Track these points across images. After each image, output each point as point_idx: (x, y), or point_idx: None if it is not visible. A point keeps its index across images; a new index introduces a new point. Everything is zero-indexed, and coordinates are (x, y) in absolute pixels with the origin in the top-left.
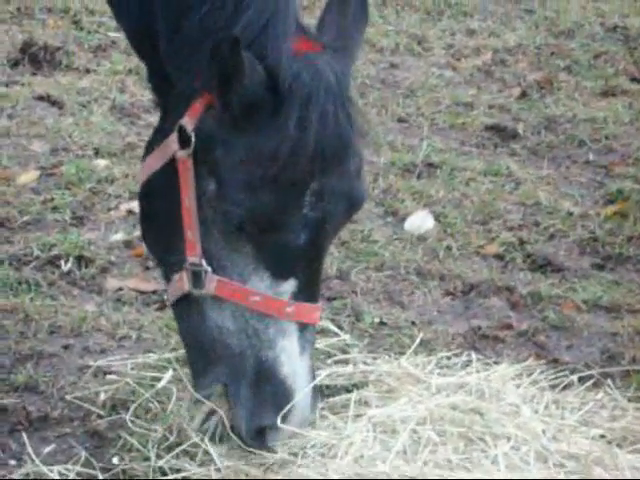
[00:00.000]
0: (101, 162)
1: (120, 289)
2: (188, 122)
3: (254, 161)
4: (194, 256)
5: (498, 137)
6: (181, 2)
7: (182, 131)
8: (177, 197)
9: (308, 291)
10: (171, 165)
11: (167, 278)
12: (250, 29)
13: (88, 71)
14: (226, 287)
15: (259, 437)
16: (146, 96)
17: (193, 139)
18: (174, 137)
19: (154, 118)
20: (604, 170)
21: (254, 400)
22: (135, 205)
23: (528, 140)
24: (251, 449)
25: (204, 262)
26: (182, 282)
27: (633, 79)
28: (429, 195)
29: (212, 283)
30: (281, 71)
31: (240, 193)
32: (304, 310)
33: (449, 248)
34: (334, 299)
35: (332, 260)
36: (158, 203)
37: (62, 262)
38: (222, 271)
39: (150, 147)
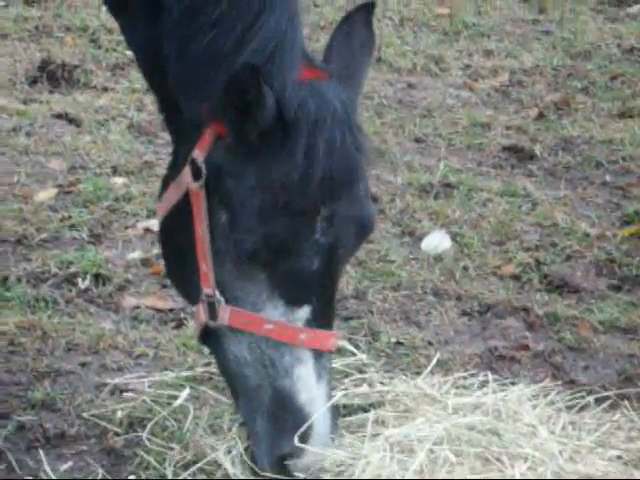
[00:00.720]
0: (119, 180)
1: (137, 307)
2: (199, 154)
3: (264, 190)
4: (208, 287)
5: (515, 158)
6: (189, 26)
7: (194, 163)
8: (192, 230)
9: (322, 317)
10: (186, 198)
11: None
12: (257, 56)
13: (106, 89)
14: (239, 317)
15: (281, 466)
16: None
17: (204, 170)
18: (187, 170)
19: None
20: (621, 191)
21: (273, 431)
22: (152, 223)
23: (545, 161)
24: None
25: (217, 293)
26: (199, 314)
27: None
28: (446, 215)
29: (225, 313)
30: (287, 99)
31: (252, 222)
32: (319, 337)
33: (466, 268)
34: (351, 319)
35: (349, 280)
36: (176, 238)
37: (79, 280)
38: (235, 301)
39: (166, 183)
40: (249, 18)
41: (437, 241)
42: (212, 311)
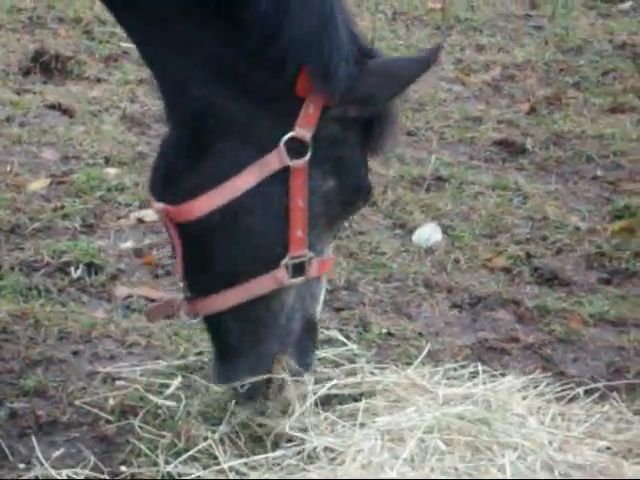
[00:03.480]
0: (111, 171)
1: (130, 296)
2: (304, 132)
3: (374, 146)
4: (301, 250)
5: (506, 152)
6: (276, 13)
7: (294, 142)
8: (283, 203)
9: None
10: (272, 178)
11: (233, 282)
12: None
13: (99, 80)
14: (323, 265)
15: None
16: (157, 106)
17: (310, 146)
18: (279, 151)
19: (165, 128)
20: (612, 186)
21: (301, 349)
22: (145, 213)
23: (536, 155)
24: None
25: (307, 251)
26: (282, 276)
27: None
28: (437, 208)
29: (314, 267)
30: None
31: (362, 179)
32: None
33: (457, 261)
34: (342, 310)
35: (340, 271)
36: (250, 217)
37: (72, 269)
38: (317, 254)
39: (218, 174)
40: None
41: (428, 234)
42: (298, 270)
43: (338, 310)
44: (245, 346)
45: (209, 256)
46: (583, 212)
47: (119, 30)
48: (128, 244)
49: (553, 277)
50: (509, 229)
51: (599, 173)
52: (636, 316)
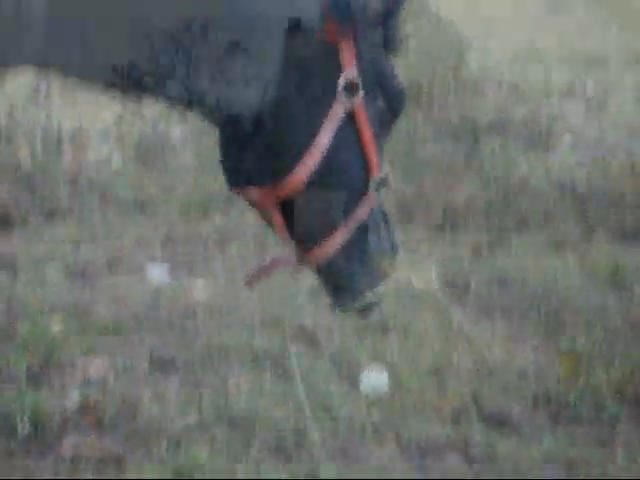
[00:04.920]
0: (56, 322)
1: (76, 452)
2: (351, 72)
3: (392, 46)
4: (379, 171)
5: (450, 293)
6: None
7: (347, 85)
8: (357, 139)
9: None
10: (343, 122)
11: (340, 222)
12: None
13: (42, 233)
14: None
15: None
16: (99, 258)
17: (360, 83)
18: (339, 100)
19: (108, 278)
20: (556, 325)
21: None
22: (90, 366)
23: (480, 296)
24: None
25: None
26: (373, 198)
27: (583, 235)
28: (382, 352)
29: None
30: None
31: (398, 82)
32: None
33: (403, 405)
34: (291, 459)
35: (289, 418)
36: (340, 163)
37: (18, 424)
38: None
39: (302, 142)
40: None
41: (375, 379)
42: (381, 186)
43: (287, 459)
44: (356, 267)
45: (316, 210)
46: (529, 352)
47: (60, 185)
48: (73, 398)
49: (501, 419)
50: (455, 371)
51: (543, 313)
52: (585, 457)
